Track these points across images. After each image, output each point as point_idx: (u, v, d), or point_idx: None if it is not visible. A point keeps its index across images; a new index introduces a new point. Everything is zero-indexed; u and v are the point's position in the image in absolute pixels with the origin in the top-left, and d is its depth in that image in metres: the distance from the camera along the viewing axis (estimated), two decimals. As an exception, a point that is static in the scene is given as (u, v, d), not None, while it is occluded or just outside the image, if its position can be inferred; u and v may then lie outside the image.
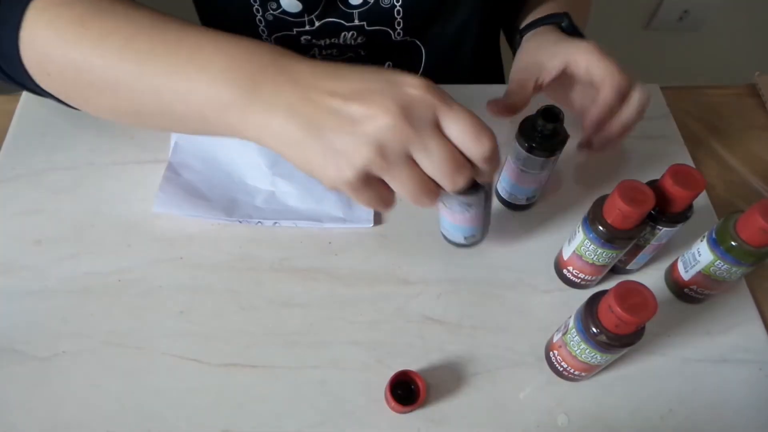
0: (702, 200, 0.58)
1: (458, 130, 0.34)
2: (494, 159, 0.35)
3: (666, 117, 0.64)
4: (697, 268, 0.48)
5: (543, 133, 0.48)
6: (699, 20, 1.35)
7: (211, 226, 0.54)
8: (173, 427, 0.44)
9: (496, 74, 0.78)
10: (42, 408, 0.45)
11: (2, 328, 0.48)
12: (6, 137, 0.58)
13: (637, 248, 0.50)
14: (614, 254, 0.46)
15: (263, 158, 0.56)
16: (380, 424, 0.45)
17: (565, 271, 0.51)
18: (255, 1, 0.56)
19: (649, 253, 0.50)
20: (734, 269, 0.46)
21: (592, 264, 0.48)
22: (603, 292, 0.40)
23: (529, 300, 0.52)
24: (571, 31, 0.52)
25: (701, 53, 1.41)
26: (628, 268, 0.53)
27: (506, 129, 0.62)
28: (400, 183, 0.34)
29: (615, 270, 0.53)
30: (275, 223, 0.54)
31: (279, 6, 0.56)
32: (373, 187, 0.35)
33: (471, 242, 0.49)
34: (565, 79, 0.50)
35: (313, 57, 0.65)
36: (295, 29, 0.60)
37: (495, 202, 0.57)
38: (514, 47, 0.60)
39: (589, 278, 0.50)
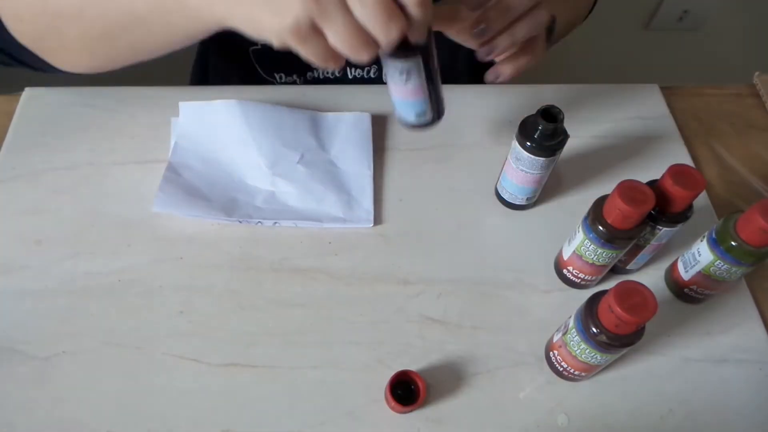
0: (702, 200, 0.58)
1: None
2: (425, 3, 0.36)
3: (666, 117, 0.65)
4: (697, 268, 0.48)
5: (543, 133, 0.48)
6: (699, 20, 1.35)
7: (211, 226, 0.54)
8: (173, 427, 0.44)
9: None
10: (42, 408, 0.45)
11: (2, 328, 0.48)
12: (6, 137, 0.58)
13: (637, 248, 0.50)
14: (614, 254, 0.46)
15: (263, 158, 0.56)
16: (380, 424, 0.45)
17: (565, 271, 0.51)
18: None
19: (649, 253, 0.50)
20: (734, 269, 0.46)
21: (592, 264, 0.48)
22: (603, 292, 0.40)
23: (529, 300, 0.52)
24: None
25: (701, 53, 1.41)
26: (628, 268, 0.53)
27: (506, 129, 0.62)
28: (335, 32, 0.36)
29: (615, 270, 0.53)
30: (275, 223, 0.54)
31: None
32: (318, 39, 0.36)
33: (422, 121, 0.48)
34: None
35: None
36: None
37: (495, 202, 0.57)
38: None
39: (589, 278, 0.50)
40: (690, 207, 0.46)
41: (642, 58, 1.42)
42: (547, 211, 0.57)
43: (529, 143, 0.48)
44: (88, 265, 0.51)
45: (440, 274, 0.53)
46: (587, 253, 0.47)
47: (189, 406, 0.45)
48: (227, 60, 0.72)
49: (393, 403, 0.44)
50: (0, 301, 0.49)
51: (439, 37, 0.63)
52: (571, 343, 0.43)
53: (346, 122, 0.60)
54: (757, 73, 0.69)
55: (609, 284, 0.44)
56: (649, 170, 0.51)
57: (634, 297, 0.38)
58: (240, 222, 0.54)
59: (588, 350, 0.42)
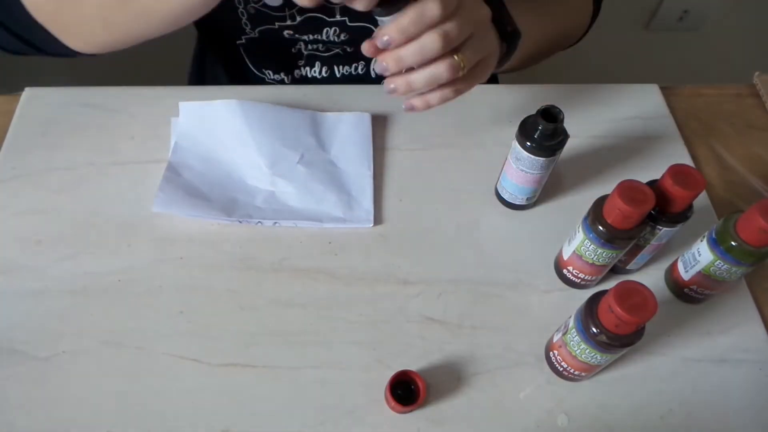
0: (702, 200, 0.58)
1: None
2: None
3: (666, 117, 0.64)
4: (697, 268, 0.48)
5: (543, 133, 0.48)
6: (699, 20, 1.35)
7: (211, 226, 0.54)
8: (173, 427, 0.44)
9: None
10: (42, 408, 0.45)
11: (2, 328, 0.48)
12: (6, 137, 0.58)
13: (637, 248, 0.50)
14: (614, 254, 0.46)
15: (263, 158, 0.56)
16: (380, 424, 0.45)
17: (565, 271, 0.51)
18: None
19: (649, 253, 0.50)
20: (734, 269, 0.46)
21: (592, 264, 0.48)
22: (603, 292, 0.40)
23: (529, 300, 0.52)
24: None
25: (701, 53, 1.41)
26: (628, 268, 0.53)
27: (506, 129, 0.62)
28: None
29: (615, 270, 0.53)
30: (275, 223, 0.54)
31: None
32: None
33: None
34: None
35: (299, 52, 0.65)
36: (277, 23, 0.60)
37: (495, 202, 0.57)
38: None
39: (589, 278, 0.50)
40: (690, 207, 0.46)
41: (642, 58, 1.42)
42: (547, 211, 0.57)
43: (529, 143, 0.48)
44: (88, 265, 0.51)
45: (440, 274, 0.53)
46: (587, 253, 0.47)
47: (189, 406, 0.45)
48: (221, 56, 0.72)
49: (393, 403, 0.44)
50: (0, 301, 0.49)
51: None
52: (571, 343, 0.43)
53: (347, 122, 0.60)
54: (757, 73, 0.69)
55: (609, 284, 0.44)
56: (649, 170, 0.51)
57: (634, 297, 0.38)
58: (240, 222, 0.54)
59: (588, 350, 0.42)
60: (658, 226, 0.47)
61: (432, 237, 0.55)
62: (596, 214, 0.45)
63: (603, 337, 0.40)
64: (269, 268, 0.52)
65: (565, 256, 0.50)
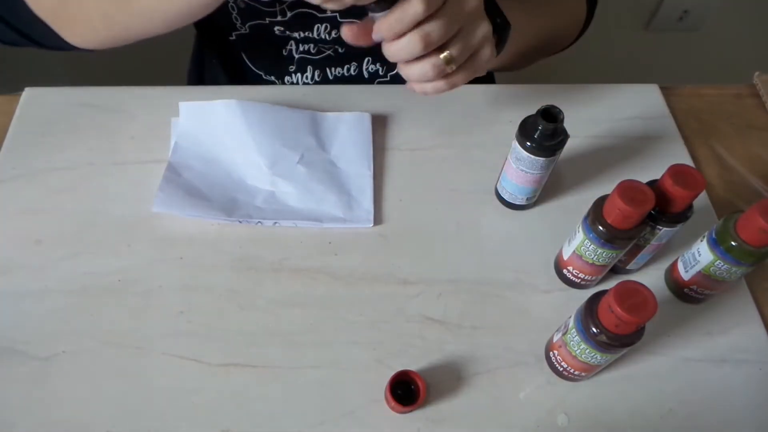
0: (702, 200, 0.58)
1: None
2: None
3: (666, 117, 0.64)
4: (697, 268, 0.48)
5: (543, 133, 0.48)
6: (699, 20, 1.35)
7: (211, 226, 0.54)
8: (173, 427, 0.44)
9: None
10: (42, 408, 0.45)
11: (2, 328, 0.48)
12: (6, 137, 0.58)
13: (637, 248, 0.50)
14: (614, 254, 0.46)
15: (263, 158, 0.56)
16: (380, 424, 0.45)
17: (565, 271, 0.51)
18: None
19: (649, 253, 0.50)
20: (734, 269, 0.46)
21: (592, 264, 0.48)
22: (603, 292, 0.40)
23: (529, 300, 0.52)
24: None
25: (701, 53, 1.41)
26: (628, 268, 0.53)
27: (506, 129, 0.62)
28: None
29: (615, 270, 0.53)
30: (275, 223, 0.54)
31: None
32: None
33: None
34: None
35: (290, 55, 0.65)
36: (267, 18, 0.59)
37: (495, 202, 0.57)
38: None
39: (589, 278, 0.50)
40: (690, 207, 0.46)
41: (642, 58, 1.42)
42: (547, 211, 0.57)
43: (529, 143, 0.48)
44: (88, 265, 0.51)
45: (440, 274, 0.53)
46: (587, 253, 0.47)
47: (189, 406, 0.45)
48: (218, 54, 0.72)
49: (393, 403, 0.44)
50: (0, 301, 0.49)
51: None
52: (571, 343, 0.43)
53: (347, 122, 0.60)
54: (757, 73, 0.69)
55: (609, 284, 0.44)
56: (649, 170, 0.51)
57: (634, 297, 0.38)
58: (240, 222, 0.54)
59: (588, 350, 0.42)
60: (658, 226, 0.47)
61: (432, 237, 0.55)
62: (596, 214, 0.45)
63: (603, 337, 0.40)
64: (269, 268, 0.52)
65: (565, 256, 0.50)
